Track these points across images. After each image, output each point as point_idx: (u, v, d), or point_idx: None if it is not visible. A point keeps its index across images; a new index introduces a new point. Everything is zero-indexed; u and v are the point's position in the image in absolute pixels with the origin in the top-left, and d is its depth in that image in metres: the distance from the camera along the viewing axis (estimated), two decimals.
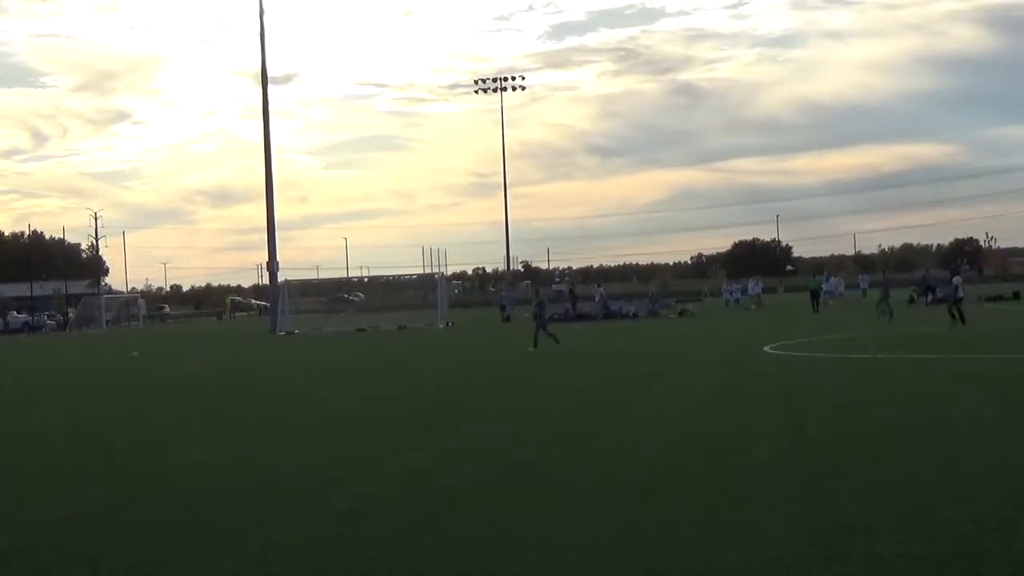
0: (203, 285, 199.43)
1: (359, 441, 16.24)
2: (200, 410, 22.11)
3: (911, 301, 66.27)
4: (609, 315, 65.64)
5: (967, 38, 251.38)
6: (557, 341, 35.11)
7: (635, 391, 21.77)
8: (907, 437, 13.99)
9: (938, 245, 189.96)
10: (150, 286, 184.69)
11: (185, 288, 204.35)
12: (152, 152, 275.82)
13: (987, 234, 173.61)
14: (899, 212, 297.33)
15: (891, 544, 8.54)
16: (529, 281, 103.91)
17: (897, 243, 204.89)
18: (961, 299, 39.43)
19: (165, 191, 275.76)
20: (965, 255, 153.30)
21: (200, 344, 58.51)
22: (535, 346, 35.13)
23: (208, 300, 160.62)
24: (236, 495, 11.93)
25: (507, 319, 68.93)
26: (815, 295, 62.65)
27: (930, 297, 63.19)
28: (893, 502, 10.01)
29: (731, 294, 78.08)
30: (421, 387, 25.02)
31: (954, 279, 41.58)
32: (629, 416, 17.73)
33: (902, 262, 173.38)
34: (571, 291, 77.14)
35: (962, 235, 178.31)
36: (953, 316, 38.14)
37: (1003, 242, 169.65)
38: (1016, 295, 66.52)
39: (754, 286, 74.09)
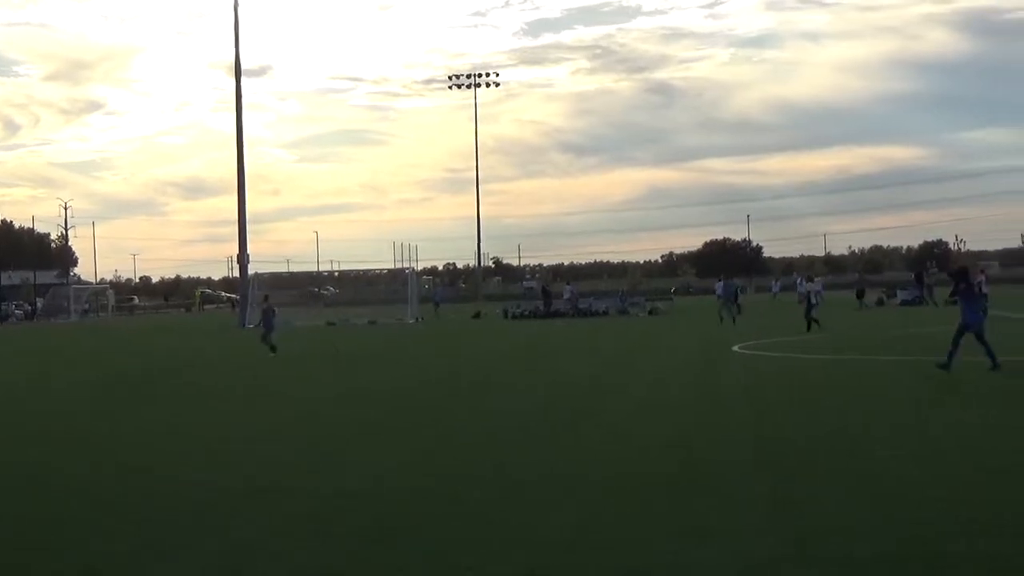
0: (173, 277, 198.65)
1: (330, 439, 16.19)
2: (170, 405, 22.00)
3: (880, 303, 66.68)
4: (579, 313, 65.70)
5: (942, 41, 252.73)
6: (274, 351, 35.03)
7: (607, 391, 21.75)
8: (881, 439, 14.04)
9: (908, 247, 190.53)
10: (119, 277, 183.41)
11: (155, 280, 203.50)
12: (124, 143, 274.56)
13: (956, 236, 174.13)
14: (870, 214, 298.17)
15: (865, 546, 8.57)
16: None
17: (867, 244, 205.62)
18: (815, 305, 40.18)
19: (136, 182, 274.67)
20: (934, 257, 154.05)
21: (169, 337, 58.21)
22: (274, 351, 35.23)
23: (178, 292, 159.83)
24: (208, 491, 11.86)
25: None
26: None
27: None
28: (868, 504, 10.04)
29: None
30: (391, 384, 24.99)
31: (808, 285, 42.34)
32: (602, 416, 17.71)
33: (871, 263, 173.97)
34: (544, 289, 77.24)
35: (932, 237, 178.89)
36: (812, 321, 39.12)
37: (972, 245, 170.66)
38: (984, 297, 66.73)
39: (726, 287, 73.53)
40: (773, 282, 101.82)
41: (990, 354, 21.78)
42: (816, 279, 48.40)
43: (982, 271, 49.33)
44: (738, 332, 39.81)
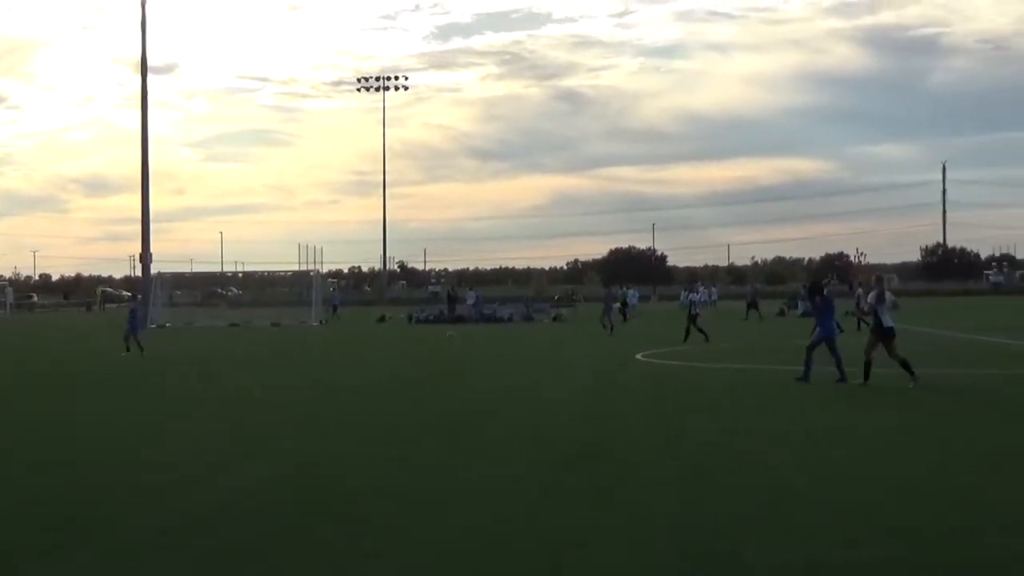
0: (73, 275, 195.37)
1: (225, 439, 16.01)
2: (71, 401, 21.63)
3: (781, 313, 67.61)
4: (484, 318, 65.83)
5: (846, 56, 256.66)
6: (128, 350, 35.23)
7: (508, 396, 21.77)
8: (777, 446, 14.22)
9: (810, 259, 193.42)
10: (18, 275, 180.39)
11: (55, 278, 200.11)
12: (26, 138, 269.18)
13: (857, 249, 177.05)
14: (773, 225, 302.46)
15: (760, 552, 8.64)
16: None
17: (770, 255, 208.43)
18: (697, 315, 40.84)
19: (38, 178, 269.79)
20: (835, 269, 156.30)
21: (70, 335, 57.23)
22: (142, 351, 35.22)
23: (78, 291, 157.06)
24: (99, 486, 11.69)
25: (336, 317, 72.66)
26: (623, 308, 60.84)
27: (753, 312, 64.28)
28: (764, 511, 10.14)
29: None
30: (292, 385, 24.80)
31: (691, 296, 42.88)
32: (501, 420, 17.70)
33: (773, 275, 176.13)
34: (450, 294, 77.11)
35: (833, 250, 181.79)
36: (700, 331, 39.25)
37: (872, 258, 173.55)
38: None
39: (632, 295, 74.23)
40: (682, 292, 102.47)
41: (808, 367, 22.65)
42: (699, 289, 48.66)
43: (859, 284, 51.09)
44: (613, 340, 40.24)
